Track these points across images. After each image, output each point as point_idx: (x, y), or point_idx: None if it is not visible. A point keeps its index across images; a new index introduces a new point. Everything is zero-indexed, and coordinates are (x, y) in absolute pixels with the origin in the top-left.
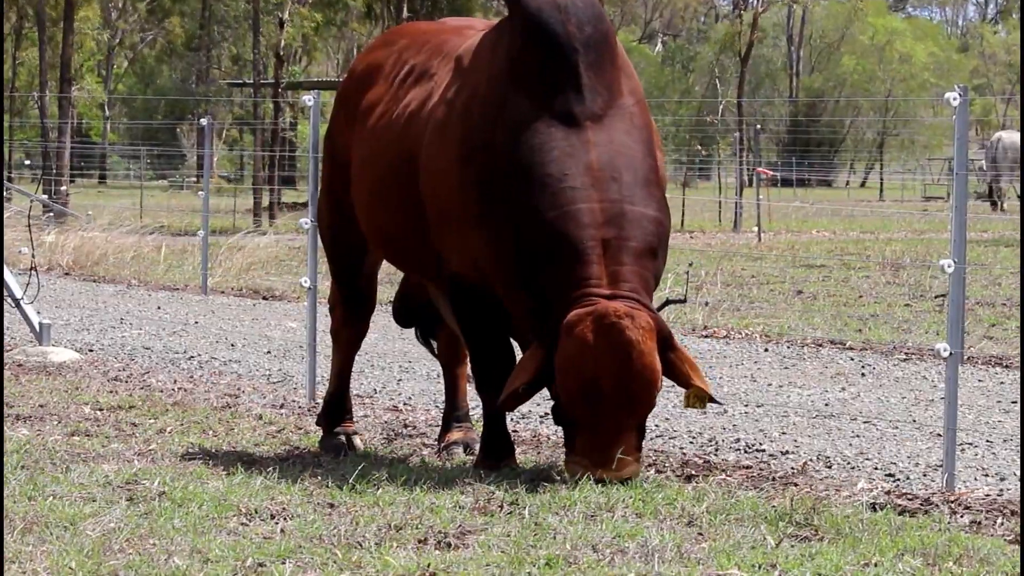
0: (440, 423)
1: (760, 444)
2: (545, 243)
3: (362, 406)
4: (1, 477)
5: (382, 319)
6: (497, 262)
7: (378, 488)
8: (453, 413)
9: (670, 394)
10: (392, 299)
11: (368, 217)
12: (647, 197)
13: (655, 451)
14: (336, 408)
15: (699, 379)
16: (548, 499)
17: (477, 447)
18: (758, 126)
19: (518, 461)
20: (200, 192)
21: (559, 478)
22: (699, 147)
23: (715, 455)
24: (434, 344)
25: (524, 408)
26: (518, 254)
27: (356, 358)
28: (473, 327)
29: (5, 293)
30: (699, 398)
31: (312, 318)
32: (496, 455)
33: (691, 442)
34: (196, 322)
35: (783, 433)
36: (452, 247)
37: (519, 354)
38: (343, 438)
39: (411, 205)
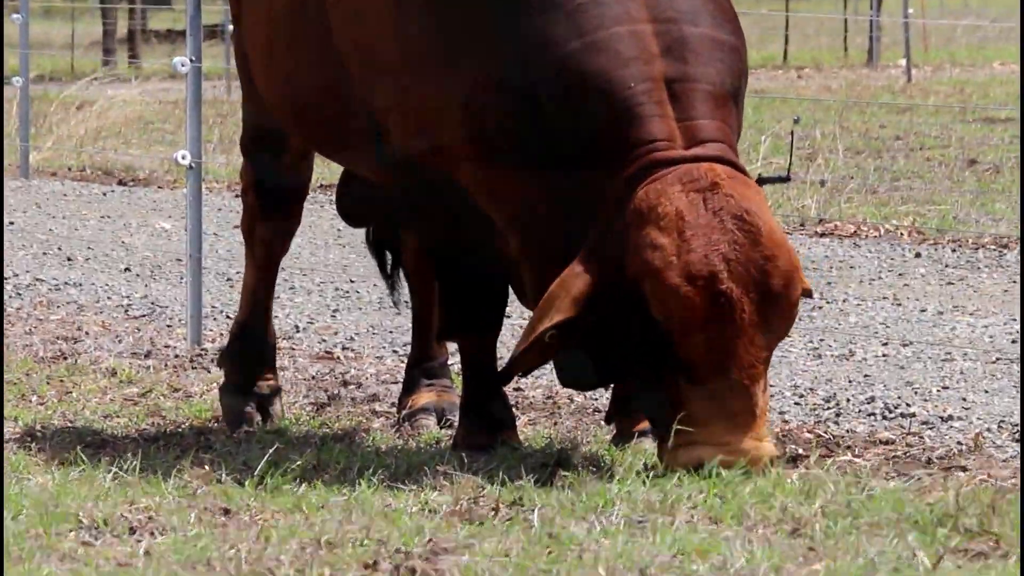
0: (400, 379)
1: (907, 406)
2: (565, 96)
3: (279, 352)
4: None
5: (315, 215)
6: (476, 136)
7: (301, 483)
8: (422, 364)
9: None
10: (337, 182)
11: (266, 77)
12: (716, 14)
13: None
14: (248, 349)
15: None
16: (568, 497)
17: (457, 416)
18: None
19: (521, 437)
20: (15, 15)
21: (587, 464)
22: None
23: (835, 423)
24: (390, 260)
25: None
26: (516, 119)
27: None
28: (439, 242)
29: None
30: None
31: (195, 214)
32: (487, 428)
33: (797, 403)
34: (11, 223)
35: (943, 388)
36: (395, 112)
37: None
38: (253, 403)
39: (326, 50)
